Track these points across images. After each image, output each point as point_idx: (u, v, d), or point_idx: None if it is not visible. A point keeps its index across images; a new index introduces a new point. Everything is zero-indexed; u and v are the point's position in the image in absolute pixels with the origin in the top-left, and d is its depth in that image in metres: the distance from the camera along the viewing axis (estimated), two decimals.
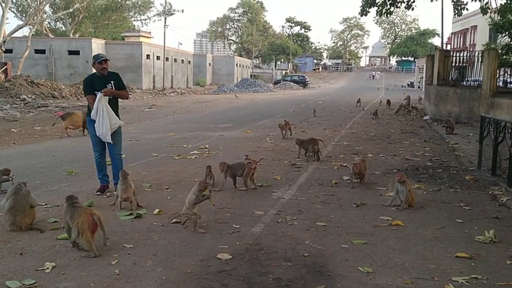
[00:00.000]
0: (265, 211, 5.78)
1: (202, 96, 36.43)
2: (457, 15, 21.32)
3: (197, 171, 7.95)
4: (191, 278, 3.83)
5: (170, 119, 17.86)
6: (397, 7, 20.62)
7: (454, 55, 19.55)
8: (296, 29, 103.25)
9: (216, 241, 4.67)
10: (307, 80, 61.94)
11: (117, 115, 6.60)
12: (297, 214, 5.70)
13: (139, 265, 4.10)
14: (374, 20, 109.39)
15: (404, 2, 19.83)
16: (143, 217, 5.50)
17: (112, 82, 6.47)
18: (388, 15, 20.76)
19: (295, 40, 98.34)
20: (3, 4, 31.10)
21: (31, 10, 39.71)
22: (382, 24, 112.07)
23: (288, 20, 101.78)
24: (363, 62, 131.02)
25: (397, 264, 4.19)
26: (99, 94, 6.28)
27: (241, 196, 6.54)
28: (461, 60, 19.16)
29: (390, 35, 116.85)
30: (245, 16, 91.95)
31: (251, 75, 67.97)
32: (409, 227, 5.28)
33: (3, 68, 29.81)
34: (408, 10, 20.38)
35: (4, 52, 31.72)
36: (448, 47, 57.09)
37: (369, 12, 19.70)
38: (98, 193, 6.47)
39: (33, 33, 37.87)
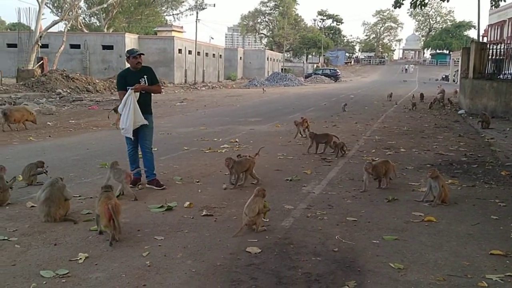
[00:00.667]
0: (294, 206, 5.76)
1: (233, 90, 36.52)
2: (494, 7, 20.65)
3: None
4: (220, 271, 3.86)
5: (201, 113, 17.98)
6: None
7: (491, 47, 18.97)
8: (328, 22, 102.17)
9: (245, 234, 4.68)
10: (339, 73, 61.31)
11: (150, 109, 6.67)
12: (327, 208, 5.66)
13: (170, 257, 4.15)
14: (408, 12, 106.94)
15: None
16: (173, 210, 5.56)
17: (145, 76, 6.53)
18: (423, 7, 20.33)
19: (326, 33, 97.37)
20: (39, 0, 31.84)
21: (66, 5, 40.42)
22: (416, 17, 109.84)
23: (320, 13, 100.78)
24: (396, 55, 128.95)
25: (429, 260, 4.12)
26: (129, 90, 6.36)
27: (270, 190, 6.51)
28: (498, 53, 18.59)
29: (425, 28, 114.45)
30: (277, 9, 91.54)
31: (282, 69, 67.77)
32: (442, 223, 5.17)
33: (40, 63, 30.58)
34: (444, 1, 19.92)
35: (41, 47, 32.47)
36: (485, 40, 55.49)
37: (403, 4, 19.30)
38: (131, 185, 6.56)
39: (68, 28, 38.64)
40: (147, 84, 6.53)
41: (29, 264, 3.94)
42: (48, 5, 47.16)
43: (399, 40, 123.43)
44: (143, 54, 6.55)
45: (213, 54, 52.47)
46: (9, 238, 4.53)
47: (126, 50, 6.51)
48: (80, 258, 4.06)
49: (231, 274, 3.81)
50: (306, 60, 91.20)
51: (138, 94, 6.44)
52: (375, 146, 10.33)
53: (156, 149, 6.68)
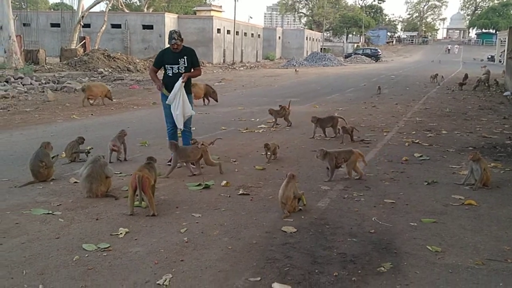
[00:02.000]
0: (331, 186, 5.74)
1: (271, 70, 36.36)
2: None
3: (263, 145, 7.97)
4: (256, 249, 3.90)
5: (239, 93, 18.02)
6: None
7: None
8: (370, 0, 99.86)
9: (281, 214, 4.70)
10: (380, 53, 60.07)
11: (190, 89, 6.73)
12: (364, 190, 5.61)
13: (207, 234, 4.22)
14: None
15: None
16: (211, 188, 5.64)
17: (185, 57, 6.55)
18: None
19: (368, 12, 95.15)
20: None
21: None
22: None
23: None
24: (440, 34, 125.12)
25: (468, 244, 4.04)
26: (179, 82, 6.40)
27: (307, 170, 6.53)
28: None
29: (470, 6, 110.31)
30: None
31: (321, 49, 66.88)
32: (482, 207, 5.05)
33: (82, 42, 31.24)
34: None
35: (83, 26, 33.14)
36: None
37: None
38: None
39: (110, 8, 39.23)
40: (186, 65, 6.55)
41: (72, 238, 4.09)
42: None
43: (443, 19, 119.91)
44: (180, 40, 6.46)
45: (252, 34, 52.25)
46: (53, 212, 4.71)
47: (169, 32, 6.51)
48: (121, 233, 4.18)
49: (266, 252, 3.85)
50: (346, 40, 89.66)
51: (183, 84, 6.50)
52: (415, 127, 10.12)
53: (194, 128, 6.75)
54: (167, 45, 6.68)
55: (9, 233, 4.15)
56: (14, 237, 4.07)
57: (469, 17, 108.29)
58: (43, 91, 15.58)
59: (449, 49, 79.61)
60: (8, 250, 3.80)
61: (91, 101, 13.35)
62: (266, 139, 8.53)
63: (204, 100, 13.94)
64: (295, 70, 33.12)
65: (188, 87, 6.70)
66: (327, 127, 8.97)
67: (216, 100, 14.08)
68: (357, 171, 6.09)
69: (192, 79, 6.86)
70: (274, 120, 10.18)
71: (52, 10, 63.24)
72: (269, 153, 6.97)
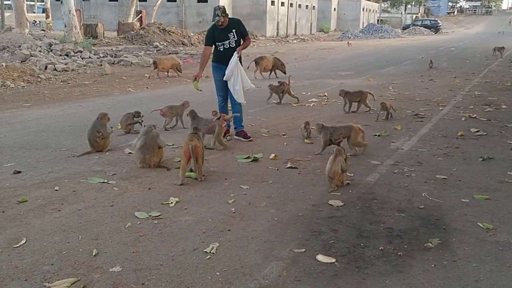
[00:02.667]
0: (381, 161, 5.66)
1: (325, 43, 35.74)
2: None
3: (314, 118, 7.91)
4: (301, 221, 3.94)
5: (291, 66, 17.83)
6: None
7: None
8: None
9: (328, 187, 4.70)
10: (440, 24, 57.58)
11: (241, 62, 6.75)
12: (415, 165, 5.49)
13: (254, 205, 4.29)
14: None
15: None
16: (259, 161, 5.69)
17: (233, 30, 6.56)
18: None
19: None
20: None
21: None
22: None
23: None
24: (506, 4, 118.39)
25: None
26: (234, 57, 6.44)
27: None
28: None
29: None
30: None
31: (378, 20, 64.83)
32: None
33: (138, 16, 31.76)
34: None
35: (139, 0, 33.64)
36: None
37: None
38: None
39: None
40: (236, 38, 6.56)
41: (125, 206, 4.26)
42: None
43: None
44: (225, 15, 6.42)
45: (306, 6, 51.30)
46: (108, 181, 4.92)
47: (213, 8, 6.50)
48: (171, 202, 4.32)
49: (312, 224, 3.87)
50: (405, 11, 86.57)
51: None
52: (473, 102, 9.73)
53: (245, 102, 6.78)
54: (213, 15, 6.64)
55: (66, 200, 4.38)
56: (71, 204, 4.29)
57: None
58: (101, 65, 16.06)
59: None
60: (66, 216, 4.02)
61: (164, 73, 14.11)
62: (317, 113, 8.48)
63: (270, 73, 14.10)
64: (348, 43, 32.24)
65: (239, 60, 6.72)
66: (355, 101, 8.70)
67: (284, 73, 14.04)
68: (361, 145, 5.98)
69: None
70: (270, 96, 9.73)
71: None
72: (305, 133, 6.84)
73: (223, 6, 6.50)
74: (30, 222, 3.88)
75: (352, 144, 5.91)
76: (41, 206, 4.22)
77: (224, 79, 6.59)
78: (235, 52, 6.48)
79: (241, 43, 6.67)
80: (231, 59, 6.47)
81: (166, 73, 14.15)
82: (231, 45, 6.57)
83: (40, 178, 5.00)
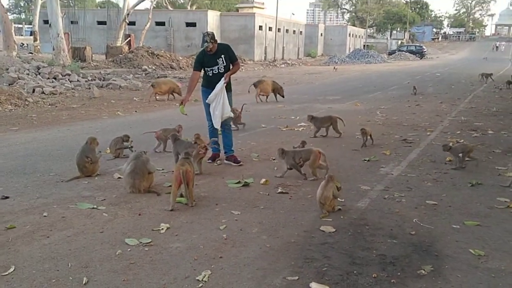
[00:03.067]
0: (371, 186, 5.68)
1: (312, 68, 36.13)
2: None
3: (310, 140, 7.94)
4: (294, 248, 3.91)
5: None
6: None
7: None
8: None
9: (320, 213, 4.69)
10: (425, 50, 58.68)
11: (230, 86, 6.77)
12: (405, 191, 5.52)
13: (245, 231, 4.26)
14: None
15: None
16: (250, 186, 5.68)
17: (222, 56, 6.60)
18: None
19: (413, 8, 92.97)
20: None
21: None
22: None
23: None
24: (488, 31, 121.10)
25: None
26: (221, 83, 6.49)
27: (347, 170, 6.47)
28: None
29: None
30: None
31: (364, 45, 65.84)
32: None
33: (127, 40, 31.90)
34: None
35: (128, 24, 33.82)
36: None
37: None
38: (209, 161, 6.78)
39: (154, 5, 39.88)
40: (225, 64, 6.60)
41: (115, 232, 4.21)
42: None
43: (492, 15, 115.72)
44: (213, 41, 6.44)
45: (294, 31, 52.04)
46: (98, 206, 4.86)
47: (202, 34, 6.55)
48: (162, 228, 4.27)
49: (305, 251, 3.85)
50: (390, 36, 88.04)
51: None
52: (460, 127, 9.86)
53: (220, 129, 6.80)
54: (201, 41, 6.67)
55: (55, 226, 4.31)
56: (60, 230, 4.22)
57: None
58: (89, 88, 16.02)
59: (497, 46, 76.52)
60: (55, 243, 3.95)
61: (157, 97, 14.13)
62: (306, 138, 8.49)
63: (268, 96, 14.46)
64: (334, 67, 32.45)
65: (228, 84, 6.75)
66: (324, 126, 8.72)
67: (283, 96, 14.48)
68: (322, 168, 5.96)
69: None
70: None
71: (98, 8, 64.91)
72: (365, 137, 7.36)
73: (212, 32, 6.55)
74: (19, 249, 3.80)
75: (312, 167, 5.94)
76: (30, 232, 4.15)
77: (206, 101, 6.63)
78: (223, 78, 6.52)
79: (230, 68, 6.71)
80: (218, 84, 6.51)
81: (167, 96, 14.20)
82: (220, 70, 6.61)
83: (28, 203, 4.93)
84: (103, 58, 29.36)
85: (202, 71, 6.70)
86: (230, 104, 6.70)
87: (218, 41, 6.68)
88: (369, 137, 7.98)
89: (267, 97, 14.42)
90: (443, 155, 7.24)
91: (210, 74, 6.62)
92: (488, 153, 7.48)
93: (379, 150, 7.61)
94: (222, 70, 6.60)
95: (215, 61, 6.55)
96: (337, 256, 3.76)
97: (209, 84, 6.65)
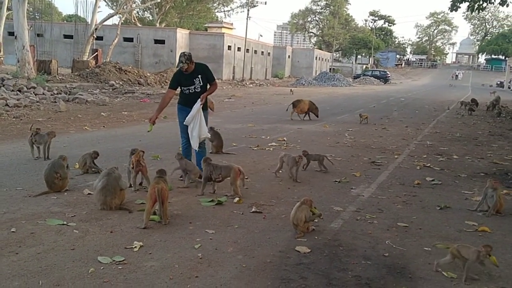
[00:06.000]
0: (343, 208, 5.74)
1: (281, 89, 36.44)
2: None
3: (275, 162, 7.95)
4: (270, 268, 3.90)
5: (249, 110, 18.09)
6: (490, 3, 19.49)
7: None
8: (380, 23, 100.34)
9: (294, 233, 4.70)
10: (389, 75, 60.28)
11: (206, 105, 6.77)
12: (377, 212, 5.60)
13: (221, 250, 4.22)
14: (463, 16, 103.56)
15: None
16: (223, 204, 5.65)
17: (199, 76, 6.60)
18: (480, 11, 19.71)
19: (377, 34, 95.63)
20: None
21: None
22: (471, 20, 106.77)
23: (371, 14, 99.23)
24: (449, 59, 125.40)
25: (483, 271, 4.01)
26: (197, 105, 6.51)
27: (319, 190, 6.52)
28: None
29: (480, 32, 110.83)
30: (328, 8, 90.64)
31: (330, 69, 67.10)
32: (496, 234, 5.04)
33: (94, 55, 31.50)
34: (502, 6, 19.21)
35: (96, 39, 33.46)
36: None
37: (459, 7, 18.85)
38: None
39: (123, 21, 39.67)
40: (201, 83, 6.62)
41: (87, 250, 4.10)
42: None
43: (453, 44, 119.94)
44: (189, 62, 6.44)
45: (262, 52, 52.62)
46: (68, 223, 4.73)
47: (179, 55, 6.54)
48: (135, 246, 4.19)
49: (281, 272, 3.84)
50: (355, 61, 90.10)
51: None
52: (426, 151, 10.11)
53: (197, 149, 6.78)
54: (178, 60, 6.68)
55: (24, 243, 4.17)
56: (29, 247, 4.08)
57: (478, 42, 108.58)
58: (55, 102, 15.71)
59: (456, 75, 78.15)
60: (24, 259, 3.81)
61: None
62: (277, 157, 8.54)
63: (305, 115, 15.61)
64: (290, 90, 30.57)
65: (204, 104, 6.75)
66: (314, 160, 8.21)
67: (317, 116, 15.66)
68: (235, 191, 5.93)
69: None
70: None
71: (65, 21, 64.03)
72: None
73: (189, 53, 6.55)
74: None
75: (233, 185, 5.95)
76: None
77: (184, 123, 6.61)
78: (199, 99, 6.52)
79: (207, 87, 6.72)
80: (194, 105, 6.51)
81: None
82: (196, 90, 6.61)
83: None
84: (69, 72, 28.82)
85: (179, 89, 6.68)
86: (206, 122, 6.70)
87: (197, 62, 6.70)
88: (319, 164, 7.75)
89: (305, 115, 15.58)
90: (411, 178, 7.41)
91: (187, 93, 6.62)
92: (454, 177, 7.69)
93: (349, 172, 7.71)
94: (198, 90, 6.60)
95: (192, 80, 6.56)
96: (314, 277, 3.77)
97: (185, 102, 6.65)
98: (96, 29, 31.83)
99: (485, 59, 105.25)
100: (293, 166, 6.95)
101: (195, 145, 6.62)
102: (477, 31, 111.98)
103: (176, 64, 6.59)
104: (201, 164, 6.20)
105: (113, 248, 4.16)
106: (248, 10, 48.08)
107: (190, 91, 6.58)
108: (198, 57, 36.24)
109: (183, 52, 6.53)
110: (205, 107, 6.73)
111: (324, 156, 7.85)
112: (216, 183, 6.16)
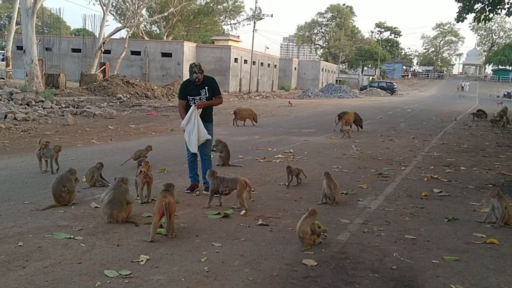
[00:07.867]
0: (350, 220, 5.71)
1: (287, 100, 36.50)
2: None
3: (282, 174, 7.96)
4: (277, 281, 3.88)
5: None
6: (496, 14, 19.52)
7: None
8: (386, 34, 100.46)
9: (301, 246, 4.68)
10: (395, 86, 60.16)
11: (211, 118, 6.82)
12: (384, 225, 5.57)
13: (227, 264, 4.21)
14: (470, 27, 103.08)
15: (504, 9, 18.76)
16: (230, 217, 5.64)
17: (206, 88, 6.68)
18: (486, 22, 19.73)
19: (384, 46, 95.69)
20: (104, 8, 33.24)
21: (129, 13, 42.11)
22: (478, 31, 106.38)
23: (378, 25, 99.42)
24: (456, 70, 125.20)
25: (492, 284, 3.98)
26: (192, 107, 6.55)
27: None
28: None
29: (487, 43, 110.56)
30: (334, 20, 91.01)
31: (336, 80, 67.16)
32: (505, 246, 4.99)
33: (102, 68, 31.75)
34: (509, 17, 19.25)
35: (103, 52, 33.75)
36: None
37: (466, 18, 18.91)
38: (188, 191, 6.73)
39: (130, 35, 40.01)
40: (207, 95, 6.68)
41: (94, 263, 4.10)
42: (112, 12, 48.93)
43: (460, 55, 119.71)
44: (201, 72, 6.57)
45: (268, 64, 52.80)
46: (75, 237, 4.74)
47: (189, 65, 6.62)
48: (142, 260, 4.19)
49: (288, 285, 3.82)
50: (362, 72, 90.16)
51: (200, 110, 6.62)
52: (433, 162, 10.06)
53: (213, 156, 6.80)
54: (185, 73, 6.78)
55: (31, 257, 4.18)
56: (36, 261, 4.09)
57: (485, 53, 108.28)
58: (63, 115, 15.83)
59: (462, 87, 77.01)
60: (31, 273, 3.82)
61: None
62: (284, 169, 8.53)
63: (351, 126, 15.79)
64: (289, 102, 30.45)
65: (208, 115, 6.79)
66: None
67: (361, 127, 16.20)
68: (241, 204, 5.92)
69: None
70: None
71: (73, 35, 64.67)
72: (291, 176, 7.25)
73: (199, 64, 6.63)
74: None
75: (240, 198, 5.94)
76: (5, 262, 4.01)
77: (180, 126, 6.66)
78: (194, 105, 6.55)
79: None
80: (190, 109, 6.55)
81: None
82: (201, 100, 6.65)
83: (2, 232, 4.77)
84: (77, 85, 29.06)
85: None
86: (211, 134, 6.72)
87: (205, 74, 6.76)
88: (294, 177, 7.55)
89: (351, 126, 15.77)
90: (419, 189, 7.37)
91: (192, 104, 6.65)
92: (462, 188, 7.64)
93: (356, 184, 7.69)
94: (203, 101, 6.65)
95: (198, 91, 6.62)
96: None
97: None
98: (104, 42, 32.10)
99: (492, 70, 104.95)
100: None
101: (194, 148, 6.62)
102: (483, 41, 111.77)
103: (189, 75, 6.61)
104: (206, 175, 6.21)
105: (119, 262, 4.16)
106: (254, 23, 48.40)
107: (196, 101, 6.62)
108: (205, 70, 35.99)
109: (194, 63, 6.60)
110: (210, 119, 6.78)
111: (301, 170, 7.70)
112: (223, 196, 6.17)
